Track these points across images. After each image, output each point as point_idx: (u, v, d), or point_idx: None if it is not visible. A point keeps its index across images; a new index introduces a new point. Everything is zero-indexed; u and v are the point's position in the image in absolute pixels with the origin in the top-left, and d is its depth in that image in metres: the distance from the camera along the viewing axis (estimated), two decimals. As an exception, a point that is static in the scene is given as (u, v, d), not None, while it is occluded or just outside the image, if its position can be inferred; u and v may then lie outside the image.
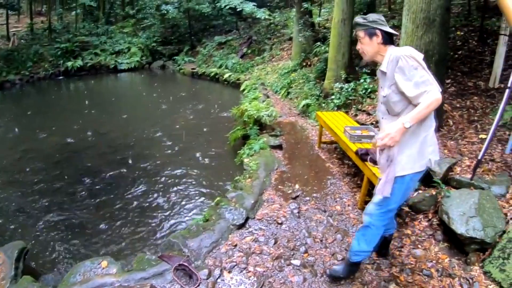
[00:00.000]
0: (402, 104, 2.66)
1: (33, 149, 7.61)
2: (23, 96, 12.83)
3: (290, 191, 4.84)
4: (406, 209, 4.23)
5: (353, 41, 8.57)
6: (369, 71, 7.88)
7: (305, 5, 10.72)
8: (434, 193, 4.21)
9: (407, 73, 2.54)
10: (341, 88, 7.52)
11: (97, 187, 5.97)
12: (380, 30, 2.75)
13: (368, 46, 2.80)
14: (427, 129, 2.68)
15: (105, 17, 18.57)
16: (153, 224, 4.87)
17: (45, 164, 6.83)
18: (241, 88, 10.55)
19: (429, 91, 2.46)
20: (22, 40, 15.88)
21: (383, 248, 3.48)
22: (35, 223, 5.08)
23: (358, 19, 2.85)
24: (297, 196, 4.69)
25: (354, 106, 7.12)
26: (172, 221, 4.92)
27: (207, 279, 3.40)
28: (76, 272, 3.63)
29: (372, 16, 2.81)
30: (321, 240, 3.84)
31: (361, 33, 2.80)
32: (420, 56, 2.58)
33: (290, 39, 13.11)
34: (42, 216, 5.23)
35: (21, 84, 13.76)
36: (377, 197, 2.89)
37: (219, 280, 3.38)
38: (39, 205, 5.51)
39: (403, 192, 2.83)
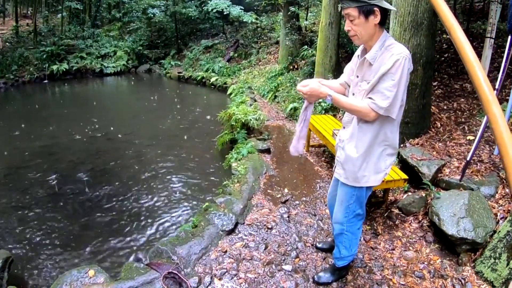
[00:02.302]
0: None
1: (15, 154, 7.49)
2: (7, 100, 12.64)
3: (279, 195, 4.80)
4: (396, 211, 4.22)
5: (341, 44, 8.62)
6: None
7: (292, 8, 10.73)
8: (423, 195, 4.23)
9: (389, 77, 2.26)
10: (329, 91, 7.50)
11: (81, 193, 5.85)
12: (379, 7, 2.24)
13: (362, 28, 2.30)
14: (385, 145, 2.56)
15: (91, 20, 18.38)
16: (140, 231, 4.78)
17: (26, 170, 6.69)
18: (228, 92, 10.52)
19: (374, 104, 2.32)
20: (7, 43, 15.59)
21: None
22: (18, 232, 4.96)
23: None
24: (287, 200, 4.65)
25: (342, 109, 7.12)
26: (160, 228, 4.84)
27: (197, 286, 3.34)
28: (63, 282, 3.55)
29: None
30: (312, 244, 3.81)
31: (353, 12, 2.25)
32: (411, 68, 2.32)
33: (277, 42, 13.11)
34: (26, 224, 5.11)
35: (6, 88, 13.55)
36: (341, 207, 2.87)
37: (209, 288, 3.33)
38: (21, 213, 5.39)
39: (364, 198, 2.81)
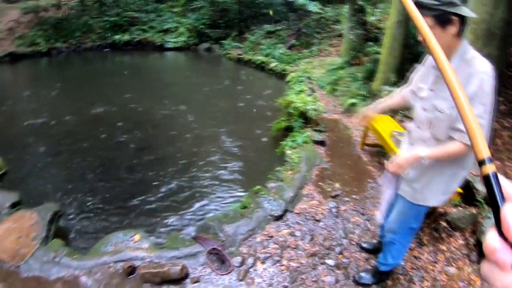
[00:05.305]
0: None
1: (72, 118, 7.86)
2: (68, 64, 13.24)
3: (329, 189, 4.79)
4: (444, 224, 4.14)
5: (407, 44, 8.40)
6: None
7: (360, 2, 10.53)
8: (474, 212, 4.11)
9: (477, 101, 1.96)
10: (390, 91, 7.36)
11: (132, 162, 6.09)
12: (458, 15, 1.95)
13: (438, 39, 1.90)
14: (460, 166, 2.34)
15: (155, -6, 18.65)
16: (188, 204, 4.93)
17: (81, 135, 7.04)
18: (287, 79, 10.43)
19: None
20: (72, 10, 16.12)
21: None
22: (71, 190, 5.24)
23: None
24: (337, 195, 4.65)
25: (400, 111, 6.98)
26: (207, 204, 4.96)
27: (239, 266, 3.43)
28: (108, 242, 3.73)
29: None
30: (357, 243, 3.81)
31: (429, 21, 1.94)
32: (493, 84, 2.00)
33: (340, 35, 12.91)
34: (78, 184, 5.40)
35: (68, 52, 14.12)
36: (397, 217, 2.79)
37: (251, 270, 3.40)
38: (75, 174, 5.70)
39: (423, 214, 2.72)
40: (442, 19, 1.96)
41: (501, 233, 0.45)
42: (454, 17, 1.95)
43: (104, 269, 3.42)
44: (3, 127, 7.51)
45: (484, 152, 0.51)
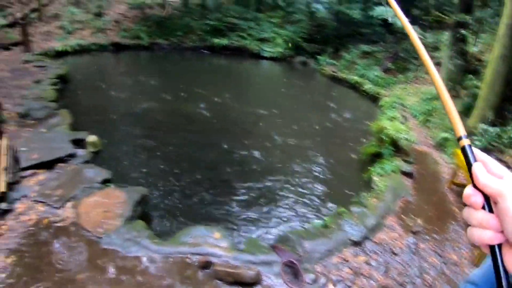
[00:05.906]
0: None
1: (168, 109, 8.42)
2: (168, 60, 14.19)
3: (411, 224, 4.71)
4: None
5: (510, 81, 7.94)
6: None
7: (463, 31, 10.05)
8: None
9: None
10: (486, 130, 6.99)
11: (221, 161, 6.39)
12: None
13: None
14: None
15: (255, 4, 19.13)
16: (269, 213, 5.07)
17: (176, 126, 7.55)
18: (380, 103, 10.26)
19: None
20: (175, 11, 17.16)
21: None
22: (158, 178, 5.64)
23: None
24: (418, 232, 4.56)
25: (495, 154, 6.63)
26: (287, 214, 5.07)
27: (311, 284, 3.48)
28: (188, 234, 3.94)
29: None
30: (430, 286, 3.73)
31: None
32: None
33: (438, 63, 12.43)
34: (166, 173, 5.79)
35: (169, 50, 15.07)
36: (483, 270, 2.68)
37: (322, 289, 3.45)
38: (164, 163, 6.11)
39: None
40: None
41: (473, 184, 0.61)
42: None
43: (180, 258, 3.65)
44: (103, 109, 8.18)
45: (461, 130, 0.67)
